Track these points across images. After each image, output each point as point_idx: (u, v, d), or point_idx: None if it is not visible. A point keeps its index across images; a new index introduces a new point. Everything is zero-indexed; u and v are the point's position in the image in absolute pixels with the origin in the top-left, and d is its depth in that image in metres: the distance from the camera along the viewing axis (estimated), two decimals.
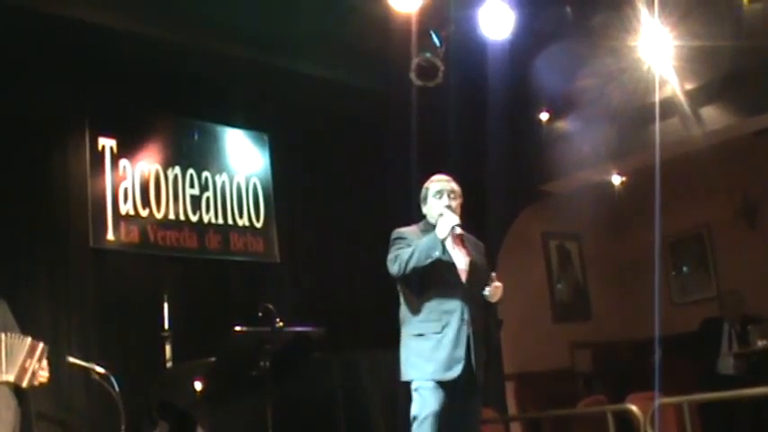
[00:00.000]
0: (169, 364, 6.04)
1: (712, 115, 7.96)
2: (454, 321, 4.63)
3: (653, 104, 7.61)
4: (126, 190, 6.86)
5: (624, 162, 8.96)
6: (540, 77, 7.70)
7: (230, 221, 7.50)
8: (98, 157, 6.76)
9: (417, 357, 4.64)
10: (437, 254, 4.58)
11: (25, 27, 6.27)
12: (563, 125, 8.96)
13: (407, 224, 4.97)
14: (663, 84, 7.56)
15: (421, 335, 4.66)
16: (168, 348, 6.07)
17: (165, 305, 6.22)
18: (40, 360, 4.89)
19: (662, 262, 9.61)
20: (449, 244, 4.73)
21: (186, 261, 7.13)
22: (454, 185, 4.94)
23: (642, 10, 6.66)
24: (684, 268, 10.60)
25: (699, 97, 7.87)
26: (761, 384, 6.53)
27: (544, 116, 8.78)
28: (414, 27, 6.11)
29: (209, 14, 6.66)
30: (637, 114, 8.07)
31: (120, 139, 6.91)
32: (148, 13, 6.56)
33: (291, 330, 5.15)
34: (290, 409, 5.27)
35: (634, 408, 6.46)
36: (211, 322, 6.65)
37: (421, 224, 4.95)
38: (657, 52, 7.12)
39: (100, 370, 5.48)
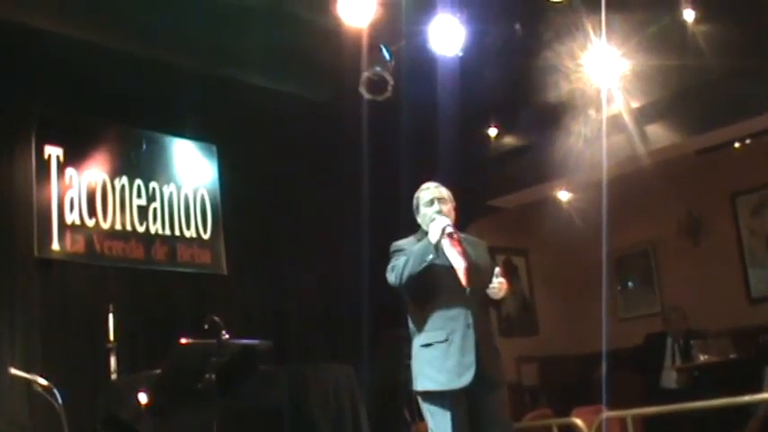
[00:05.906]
0: (114, 377, 5.98)
1: (657, 133, 8.07)
2: (459, 327, 4.59)
3: (600, 121, 7.69)
4: (72, 199, 6.78)
5: (571, 178, 9.04)
6: (489, 93, 7.76)
7: (177, 233, 7.45)
8: (44, 165, 6.68)
9: (429, 367, 4.60)
10: (430, 257, 4.56)
11: None
12: (511, 141, 9.02)
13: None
14: (610, 101, 7.65)
15: (428, 345, 4.63)
16: (113, 360, 6.01)
17: (111, 316, 6.15)
18: None
19: (608, 277, 9.70)
20: (446, 248, 4.74)
21: (132, 272, 7.06)
22: (443, 190, 4.97)
23: (590, 28, 6.74)
24: (630, 284, 10.72)
25: (645, 115, 7.98)
26: (703, 398, 6.63)
27: (493, 131, 8.83)
28: (364, 41, 6.13)
29: (159, 24, 6.61)
30: (584, 131, 8.15)
31: (66, 147, 6.83)
32: (97, 21, 6.50)
33: (237, 343, 5.12)
34: (235, 423, 5.24)
35: (579, 421, 6.53)
36: (157, 334, 6.60)
37: (417, 234, 4.91)
38: (605, 70, 7.21)
39: (43, 382, 5.41)
